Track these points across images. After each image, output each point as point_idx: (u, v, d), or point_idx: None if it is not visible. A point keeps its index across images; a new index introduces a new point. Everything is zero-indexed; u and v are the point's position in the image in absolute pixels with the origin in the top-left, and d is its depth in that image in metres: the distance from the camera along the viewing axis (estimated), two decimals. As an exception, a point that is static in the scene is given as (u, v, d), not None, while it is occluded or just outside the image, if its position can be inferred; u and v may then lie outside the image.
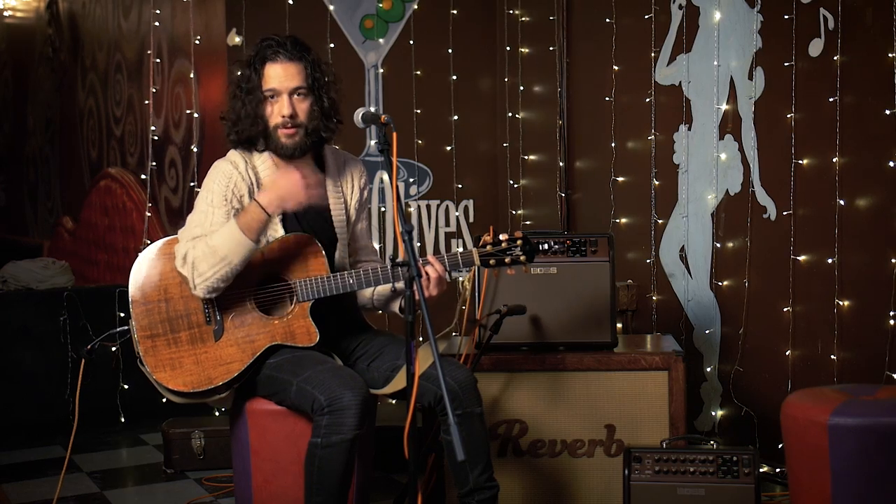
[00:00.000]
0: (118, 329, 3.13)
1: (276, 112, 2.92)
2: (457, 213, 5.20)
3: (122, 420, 4.89)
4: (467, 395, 2.86)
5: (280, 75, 2.91)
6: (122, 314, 4.83)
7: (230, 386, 2.89)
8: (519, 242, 2.89)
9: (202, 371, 2.86)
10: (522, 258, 2.89)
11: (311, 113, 2.94)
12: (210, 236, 2.81)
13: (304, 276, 2.91)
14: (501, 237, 2.90)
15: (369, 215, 3.26)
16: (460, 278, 5.18)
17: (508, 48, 5.19)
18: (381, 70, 5.03)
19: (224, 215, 2.87)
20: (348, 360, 3.01)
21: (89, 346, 3.17)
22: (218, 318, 2.89)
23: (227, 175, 2.92)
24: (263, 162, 2.98)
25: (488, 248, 2.89)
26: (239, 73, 2.98)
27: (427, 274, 2.81)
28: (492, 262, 2.89)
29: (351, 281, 2.88)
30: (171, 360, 2.86)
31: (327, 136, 2.99)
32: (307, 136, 2.94)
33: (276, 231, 2.94)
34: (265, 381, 2.90)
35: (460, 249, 2.97)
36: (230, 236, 2.79)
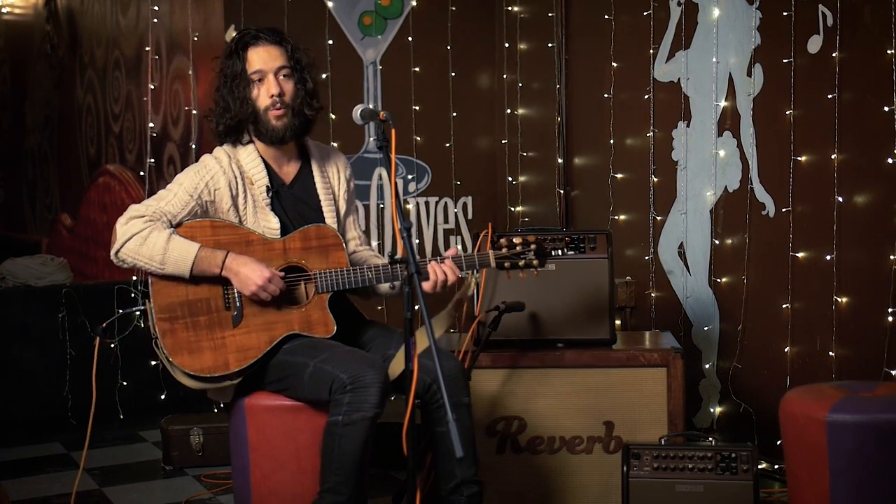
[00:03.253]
0: (136, 308, 3.13)
1: (264, 93, 2.96)
2: (455, 210, 5.20)
3: (121, 417, 4.89)
4: (455, 383, 2.87)
5: (264, 57, 2.96)
6: (121, 311, 4.82)
7: (243, 373, 2.90)
8: (532, 247, 2.95)
9: (219, 356, 2.87)
10: (535, 262, 2.94)
11: (297, 92, 2.98)
12: (171, 238, 2.83)
13: (325, 267, 2.93)
14: (515, 240, 2.95)
15: (357, 207, 3.28)
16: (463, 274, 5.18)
17: (507, 45, 5.19)
18: (380, 67, 5.02)
19: (182, 204, 2.90)
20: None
21: (104, 324, 3.18)
22: (237, 304, 2.90)
23: (208, 170, 2.96)
24: (248, 155, 3.02)
25: (504, 250, 2.95)
26: (222, 64, 3.02)
27: (435, 275, 2.87)
28: (506, 264, 2.95)
29: (370, 275, 2.91)
30: (188, 343, 2.87)
31: (311, 115, 3.01)
32: (294, 117, 2.98)
33: (268, 220, 2.97)
34: (277, 365, 2.90)
35: (478, 251, 2.99)
36: (181, 255, 2.83)
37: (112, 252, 2.87)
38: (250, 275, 2.83)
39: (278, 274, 2.88)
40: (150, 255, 2.83)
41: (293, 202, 3.04)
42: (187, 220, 2.91)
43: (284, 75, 2.97)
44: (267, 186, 2.99)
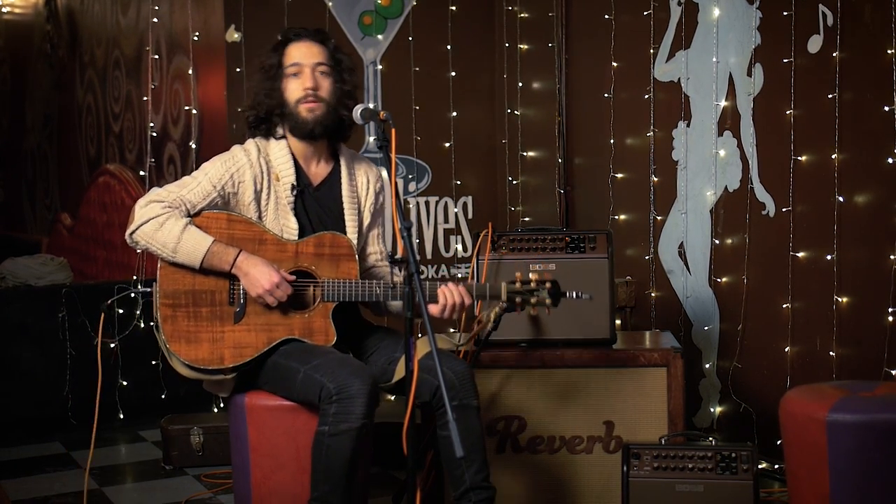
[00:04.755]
0: (141, 289, 3.13)
1: (298, 86, 2.96)
2: (455, 210, 5.20)
3: (121, 416, 4.89)
4: (464, 386, 2.85)
5: (304, 52, 2.98)
6: (122, 310, 4.83)
7: (237, 369, 2.90)
8: (548, 286, 2.96)
9: (216, 350, 2.87)
10: (548, 301, 2.95)
11: (334, 90, 2.98)
12: (187, 228, 2.83)
13: (334, 276, 2.93)
14: (531, 276, 2.97)
15: (384, 222, 3.30)
16: (459, 275, 5.18)
17: (507, 44, 5.19)
18: (380, 66, 5.02)
19: (204, 194, 2.90)
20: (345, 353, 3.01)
21: (109, 301, 3.20)
22: (241, 301, 2.90)
23: (235, 161, 2.95)
24: (280, 150, 3.01)
25: (517, 285, 2.96)
26: (262, 57, 3.03)
27: (445, 299, 2.86)
28: (518, 299, 2.95)
29: (378, 291, 2.90)
30: (187, 332, 2.87)
31: (346, 117, 2.96)
32: (328, 113, 2.96)
33: (288, 220, 2.97)
34: (271, 367, 2.90)
35: (489, 283, 2.99)
36: (193, 247, 2.83)
37: (127, 233, 2.87)
38: (259, 277, 2.83)
39: (289, 277, 2.87)
40: (164, 241, 2.83)
41: (316, 206, 3.04)
42: (207, 210, 2.92)
43: (322, 72, 2.98)
44: (293, 184, 2.99)
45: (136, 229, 2.84)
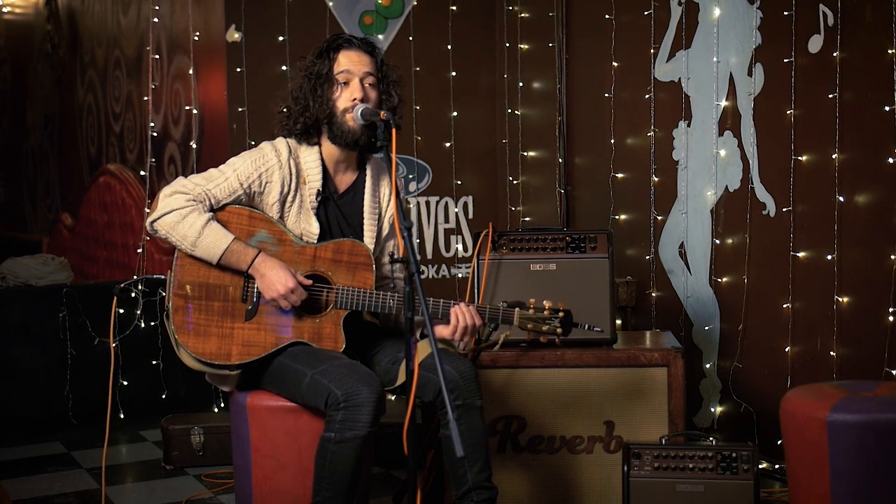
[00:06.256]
0: (155, 275, 3.14)
1: (346, 96, 2.94)
2: (456, 210, 5.20)
3: (122, 416, 4.89)
4: (468, 385, 2.84)
5: (354, 60, 2.96)
6: (122, 310, 4.83)
7: (243, 367, 2.90)
8: (560, 314, 2.95)
9: (224, 345, 2.88)
10: (559, 330, 2.95)
11: (380, 103, 2.97)
12: (209, 224, 2.83)
13: (349, 284, 2.92)
14: (545, 303, 2.96)
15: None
16: (460, 274, 5.19)
17: (508, 44, 5.19)
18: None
19: (230, 191, 2.89)
20: (350, 355, 3.01)
21: (122, 285, 3.20)
22: (254, 299, 2.90)
23: (265, 161, 2.94)
24: (311, 154, 3.00)
25: (531, 311, 2.95)
26: (309, 63, 3.00)
27: (457, 320, 2.85)
28: (529, 325, 2.95)
29: (391, 303, 2.90)
30: (197, 325, 2.87)
31: (382, 127, 2.82)
32: (372, 124, 2.93)
33: (309, 223, 2.96)
34: (277, 368, 2.90)
35: (504, 304, 2.97)
36: (213, 243, 2.83)
37: (148, 220, 2.88)
38: (275, 281, 2.83)
39: (305, 282, 2.87)
40: (185, 234, 2.83)
41: (337, 212, 3.03)
42: (230, 205, 2.92)
43: (370, 83, 2.96)
44: (318, 190, 2.98)
45: (158, 218, 2.85)
